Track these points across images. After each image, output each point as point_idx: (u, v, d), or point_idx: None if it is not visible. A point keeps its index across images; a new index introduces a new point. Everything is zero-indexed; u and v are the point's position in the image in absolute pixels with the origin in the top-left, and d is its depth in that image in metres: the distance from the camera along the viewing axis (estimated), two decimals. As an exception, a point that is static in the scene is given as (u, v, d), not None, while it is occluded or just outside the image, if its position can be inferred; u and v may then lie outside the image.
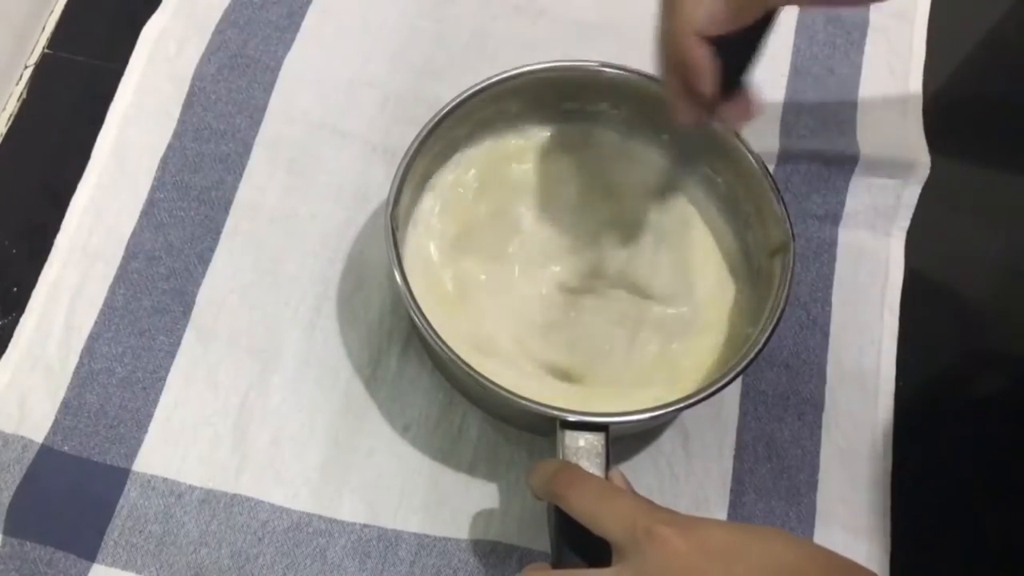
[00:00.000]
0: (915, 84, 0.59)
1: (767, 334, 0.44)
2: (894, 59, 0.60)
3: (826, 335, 0.52)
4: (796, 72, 0.59)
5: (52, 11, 0.59)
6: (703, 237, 0.51)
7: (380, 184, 0.54)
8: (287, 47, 0.57)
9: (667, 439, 0.50)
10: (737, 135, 0.48)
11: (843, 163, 0.55)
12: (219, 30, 0.57)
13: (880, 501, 0.49)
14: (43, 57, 0.58)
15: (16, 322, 0.50)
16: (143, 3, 0.58)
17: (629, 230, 0.51)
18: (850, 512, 0.49)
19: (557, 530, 0.39)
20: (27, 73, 0.57)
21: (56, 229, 0.52)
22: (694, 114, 0.42)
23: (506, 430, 0.49)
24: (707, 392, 0.43)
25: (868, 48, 0.60)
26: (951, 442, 0.51)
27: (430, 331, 0.43)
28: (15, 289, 0.51)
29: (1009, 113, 0.60)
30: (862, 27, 0.60)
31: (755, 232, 0.49)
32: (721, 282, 0.50)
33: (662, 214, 0.51)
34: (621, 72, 0.49)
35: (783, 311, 0.44)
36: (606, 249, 0.50)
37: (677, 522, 0.35)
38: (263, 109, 0.55)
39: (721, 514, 0.48)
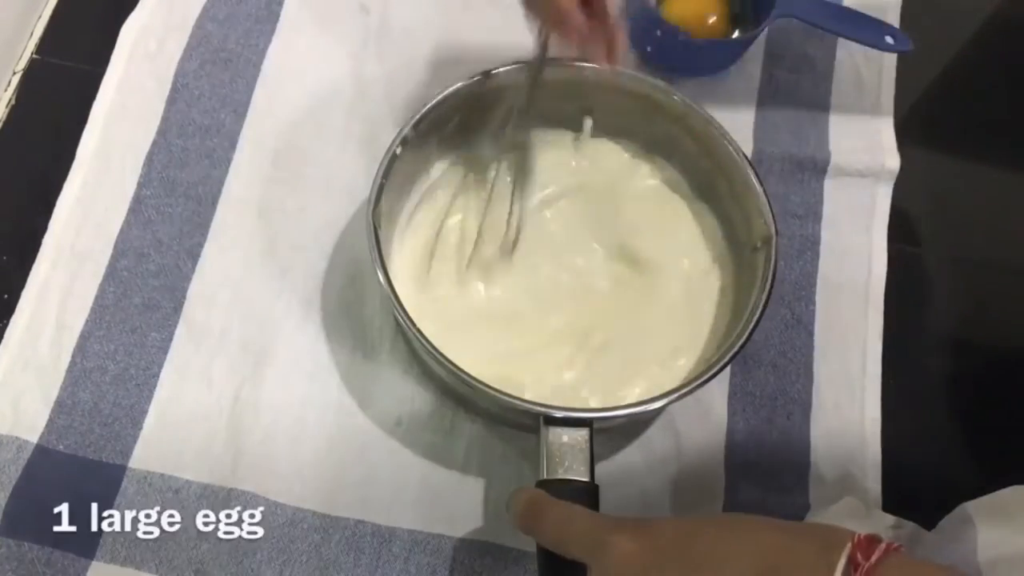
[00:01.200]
0: (887, 85, 0.58)
1: (751, 327, 0.43)
2: (866, 60, 0.59)
3: (811, 334, 0.52)
4: (769, 75, 0.58)
5: (40, 17, 0.59)
6: (688, 232, 0.51)
7: (367, 176, 0.53)
8: (268, 39, 0.57)
9: (659, 440, 0.49)
10: (723, 133, 0.47)
11: (815, 164, 0.55)
12: (199, 25, 0.57)
13: (871, 499, 0.49)
14: (31, 63, 0.58)
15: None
16: (130, 7, 0.57)
17: (613, 225, 0.51)
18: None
19: (540, 555, 0.40)
20: (15, 79, 0.57)
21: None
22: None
23: (498, 425, 0.49)
24: (691, 386, 0.43)
25: (840, 50, 0.59)
26: (939, 438, 0.51)
27: (414, 330, 0.43)
28: (6, 296, 0.51)
29: (985, 110, 0.59)
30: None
31: (739, 226, 0.49)
32: (707, 276, 0.50)
33: (648, 210, 0.51)
34: (603, 71, 0.48)
35: (767, 304, 0.44)
36: (589, 244, 0.50)
37: (627, 526, 0.35)
38: (247, 103, 0.55)
39: (716, 514, 0.48)
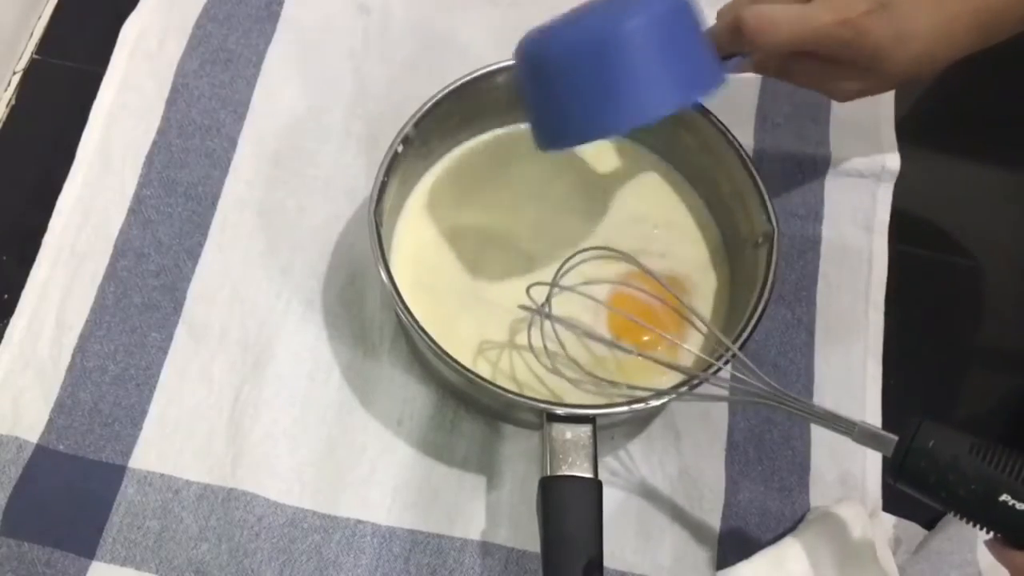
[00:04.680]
0: None
1: (752, 324, 0.43)
2: None
3: (811, 334, 0.52)
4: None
5: (40, 17, 0.59)
6: (689, 230, 0.51)
7: (367, 176, 0.53)
8: (268, 40, 0.57)
9: (659, 439, 0.49)
10: (724, 129, 0.48)
11: (816, 164, 0.55)
12: (199, 25, 0.57)
13: (871, 499, 0.49)
14: (31, 63, 0.58)
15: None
16: (131, 7, 0.58)
17: (615, 223, 0.51)
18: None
19: (544, 554, 0.40)
20: (15, 79, 0.57)
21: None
22: None
23: (500, 424, 0.49)
24: (692, 383, 0.42)
25: None
26: None
27: (416, 327, 0.43)
28: (6, 296, 0.51)
29: (985, 110, 0.59)
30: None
31: (740, 224, 0.49)
32: (706, 272, 0.50)
33: (648, 207, 0.51)
34: None
35: (767, 303, 0.44)
36: (592, 242, 0.50)
37: None
38: (247, 103, 0.55)
39: (716, 513, 0.48)
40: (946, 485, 0.36)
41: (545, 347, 0.45)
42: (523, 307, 0.45)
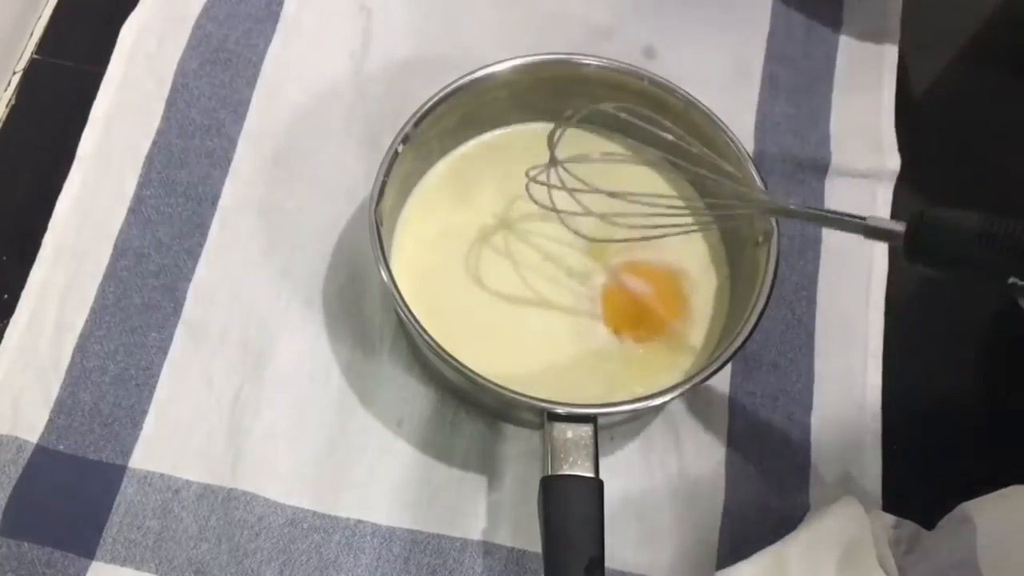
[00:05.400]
0: (888, 85, 0.58)
1: (751, 324, 0.44)
2: (867, 60, 0.59)
3: (811, 334, 0.52)
4: (769, 76, 0.58)
5: (40, 16, 0.59)
6: (689, 228, 0.50)
7: (367, 177, 0.53)
8: (267, 40, 0.57)
9: (659, 439, 0.49)
10: (724, 128, 0.48)
11: (816, 164, 0.55)
12: (199, 25, 0.57)
13: (871, 499, 0.48)
14: (31, 63, 0.58)
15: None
16: (130, 7, 0.58)
17: (614, 222, 0.50)
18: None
19: (546, 554, 0.40)
20: (15, 79, 0.57)
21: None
22: None
23: (500, 424, 0.49)
24: (693, 382, 0.43)
25: (841, 50, 0.59)
26: (939, 437, 0.51)
27: (417, 327, 0.43)
28: (6, 296, 0.51)
29: (985, 109, 0.59)
30: (835, 27, 0.60)
31: (740, 222, 0.48)
32: (706, 272, 0.50)
33: (647, 205, 0.51)
34: (603, 67, 0.49)
35: (768, 301, 0.44)
36: (593, 241, 0.50)
37: None
38: (247, 103, 0.55)
39: (716, 513, 0.48)
40: (956, 267, 0.37)
41: (565, 183, 0.45)
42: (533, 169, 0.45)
